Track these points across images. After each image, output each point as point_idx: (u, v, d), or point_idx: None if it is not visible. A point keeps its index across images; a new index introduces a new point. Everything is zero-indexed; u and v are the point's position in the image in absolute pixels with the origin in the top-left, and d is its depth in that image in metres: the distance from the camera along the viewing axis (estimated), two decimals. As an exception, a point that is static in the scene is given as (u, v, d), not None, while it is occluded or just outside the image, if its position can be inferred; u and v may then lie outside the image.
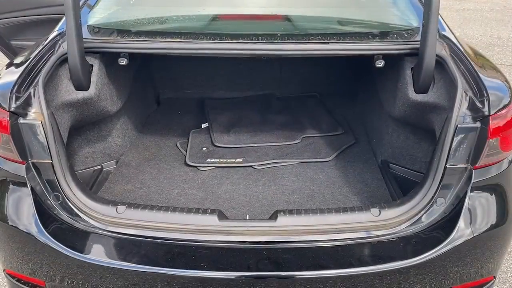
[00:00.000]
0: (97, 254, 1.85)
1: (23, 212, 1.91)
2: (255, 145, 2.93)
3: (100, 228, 1.91)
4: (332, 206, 2.37)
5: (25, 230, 1.88)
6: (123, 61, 2.37)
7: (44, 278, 1.94)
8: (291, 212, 1.93)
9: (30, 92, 1.96)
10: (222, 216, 1.93)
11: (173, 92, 3.68)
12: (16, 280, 2.05)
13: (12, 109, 1.88)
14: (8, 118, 1.87)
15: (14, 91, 1.91)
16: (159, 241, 1.87)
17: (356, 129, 3.14)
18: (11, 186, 1.96)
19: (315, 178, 2.63)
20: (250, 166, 2.75)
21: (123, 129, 2.86)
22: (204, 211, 1.93)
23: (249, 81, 3.64)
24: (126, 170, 2.71)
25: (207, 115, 3.30)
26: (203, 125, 3.21)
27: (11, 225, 1.92)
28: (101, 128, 2.70)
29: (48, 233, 1.85)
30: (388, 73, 2.53)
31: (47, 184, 1.94)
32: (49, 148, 1.92)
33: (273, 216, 1.93)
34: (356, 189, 2.51)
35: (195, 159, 2.80)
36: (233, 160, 2.80)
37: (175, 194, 2.49)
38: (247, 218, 2.17)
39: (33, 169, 1.93)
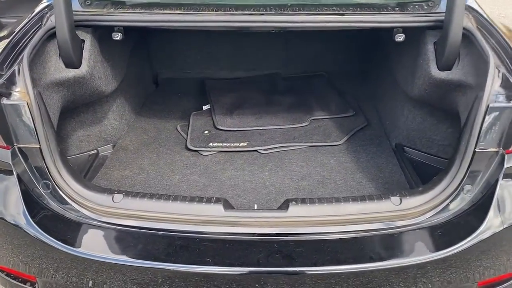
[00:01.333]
0: (92, 247, 1.68)
1: (9, 202, 1.73)
2: (261, 128, 2.75)
3: (94, 219, 1.74)
4: (345, 193, 2.21)
5: (12, 222, 1.71)
6: (117, 36, 2.18)
7: (35, 273, 1.78)
8: (303, 201, 1.76)
9: (14, 70, 1.77)
10: (227, 205, 1.76)
11: (172, 72, 3.48)
12: (5, 275, 1.89)
13: None
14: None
15: None
16: (159, 233, 1.71)
17: (367, 111, 2.95)
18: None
19: (326, 163, 2.45)
20: (255, 150, 2.58)
21: (119, 111, 2.68)
22: (208, 200, 1.77)
23: (253, 60, 3.44)
24: (123, 155, 2.53)
25: (209, 97, 3.11)
26: (205, 107, 3.02)
27: None
28: (96, 110, 2.52)
29: (37, 225, 1.68)
30: (406, 48, 2.33)
31: (35, 171, 1.76)
32: (36, 131, 1.74)
33: (284, 206, 1.76)
34: (369, 175, 2.34)
35: (196, 143, 2.62)
36: (237, 144, 2.63)
37: (176, 181, 2.32)
38: (255, 208, 2.01)
39: (19, 154, 1.75)
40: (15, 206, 1.72)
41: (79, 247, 1.67)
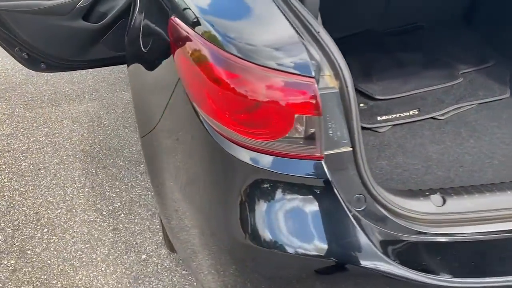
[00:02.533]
0: (450, 271, 1.26)
1: (337, 231, 1.22)
2: (418, 91, 2.39)
3: (429, 234, 1.30)
4: None
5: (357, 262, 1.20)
6: None
7: None
8: None
9: (305, 45, 1.20)
10: None
11: None
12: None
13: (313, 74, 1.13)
14: (317, 90, 1.11)
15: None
16: None
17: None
18: (295, 195, 1.23)
19: None
20: (431, 117, 2.23)
21: None
22: None
23: (343, 19, 2.99)
24: None
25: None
26: (329, 77, 2.55)
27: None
28: None
29: (394, 258, 1.20)
30: None
31: (348, 183, 1.25)
32: (350, 129, 1.22)
33: None
34: None
35: (366, 120, 2.19)
36: (407, 113, 2.25)
37: (391, 167, 1.91)
38: None
39: (330, 163, 1.22)
40: (347, 235, 1.21)
41: (442, 274, 1.23)
